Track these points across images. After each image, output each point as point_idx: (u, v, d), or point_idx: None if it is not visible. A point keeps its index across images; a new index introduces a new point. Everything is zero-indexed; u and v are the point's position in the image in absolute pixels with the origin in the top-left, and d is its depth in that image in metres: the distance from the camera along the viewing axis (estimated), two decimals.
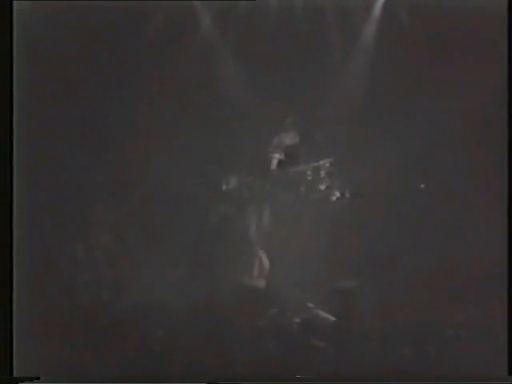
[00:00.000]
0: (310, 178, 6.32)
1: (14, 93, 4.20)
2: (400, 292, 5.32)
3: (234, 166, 5.98)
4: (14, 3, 4.10)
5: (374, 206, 5.94)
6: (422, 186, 6.09)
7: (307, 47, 5.90)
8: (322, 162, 6.33)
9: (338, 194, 6.29)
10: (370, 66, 5.91)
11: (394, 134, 5.82)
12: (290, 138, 6.29)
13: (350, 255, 5.78)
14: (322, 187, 6.31)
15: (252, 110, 5.91)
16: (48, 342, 4.05)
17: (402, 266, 5.57)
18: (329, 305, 5.58)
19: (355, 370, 4.33)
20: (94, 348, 4.00)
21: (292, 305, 5.65)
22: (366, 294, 5.49)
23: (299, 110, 6.02)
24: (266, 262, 5.94)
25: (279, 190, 6.17)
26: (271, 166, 6.31)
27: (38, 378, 3.69)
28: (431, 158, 5.80)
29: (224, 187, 6.07)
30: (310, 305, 5.69)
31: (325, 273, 5.68)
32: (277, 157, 6.35)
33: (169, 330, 4.98)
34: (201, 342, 4.91)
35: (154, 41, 5.03)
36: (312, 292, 5.66)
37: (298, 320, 5.56)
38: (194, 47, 5.57)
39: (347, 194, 6.28)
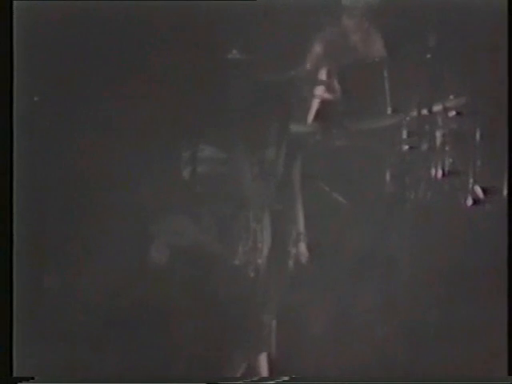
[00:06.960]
0: (406, 148, 2.85)
1: (14, 93, 3.96)
2: None
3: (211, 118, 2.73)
4: (14, 3, 3.92)
5: None
6: None
7: None
8: (437, 108, 2.81)
9: (479, 191, 2.94)
10: None
11: None
12: (357, 46, 2.62)
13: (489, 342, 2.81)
14: (438, 173, 2.94)
15: None
16: (48, 342, 3.52)
17: None
18: None
19: None
20: (94, 347, 3.48)
21: None
22: None
23: None
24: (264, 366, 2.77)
25: (326, 176, 2.74)
26: (307, 118, 2.76)
27: (33, 378, 3.42)
28: None
29: (187, 171, 2.68)
30: None
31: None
32: (318, 96, 2.78)
33: None
34: None
35: (155, 40, 4.39)
36: None
37: None
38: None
39: (504, 192, 2.85)
